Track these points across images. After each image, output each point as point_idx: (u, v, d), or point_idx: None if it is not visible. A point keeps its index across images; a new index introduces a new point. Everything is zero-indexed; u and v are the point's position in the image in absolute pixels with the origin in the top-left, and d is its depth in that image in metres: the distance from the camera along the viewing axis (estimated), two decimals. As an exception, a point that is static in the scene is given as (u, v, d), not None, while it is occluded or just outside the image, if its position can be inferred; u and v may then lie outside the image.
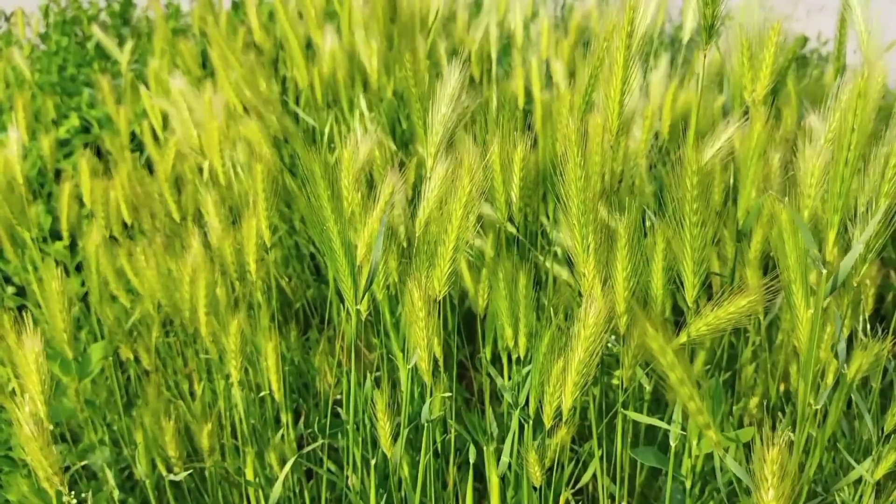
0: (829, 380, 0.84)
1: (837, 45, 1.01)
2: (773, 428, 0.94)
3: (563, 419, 0.70)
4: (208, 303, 0.93)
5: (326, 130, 1.02)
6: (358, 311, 0.74)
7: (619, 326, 0.72)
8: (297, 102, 1.47)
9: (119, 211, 1.15)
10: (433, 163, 0.74)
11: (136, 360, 1.16)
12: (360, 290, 0.73)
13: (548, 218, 1.10)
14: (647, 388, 0.84)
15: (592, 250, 0.69)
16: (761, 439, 0.51)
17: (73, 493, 0.87)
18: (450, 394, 0.86)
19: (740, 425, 1.06)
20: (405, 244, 0.92)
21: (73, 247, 1.45)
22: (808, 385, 0.69)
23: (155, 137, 1.35)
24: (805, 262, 0.67)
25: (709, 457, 0.89)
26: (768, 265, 1.00)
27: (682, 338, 0.70)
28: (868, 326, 0.94)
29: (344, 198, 0.79)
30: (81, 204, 1.20)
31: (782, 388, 1.05)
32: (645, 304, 0.74)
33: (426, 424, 0.81)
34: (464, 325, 1.24)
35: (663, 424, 0.76)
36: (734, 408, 1.06)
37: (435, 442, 0.94)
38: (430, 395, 0.83)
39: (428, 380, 0.75)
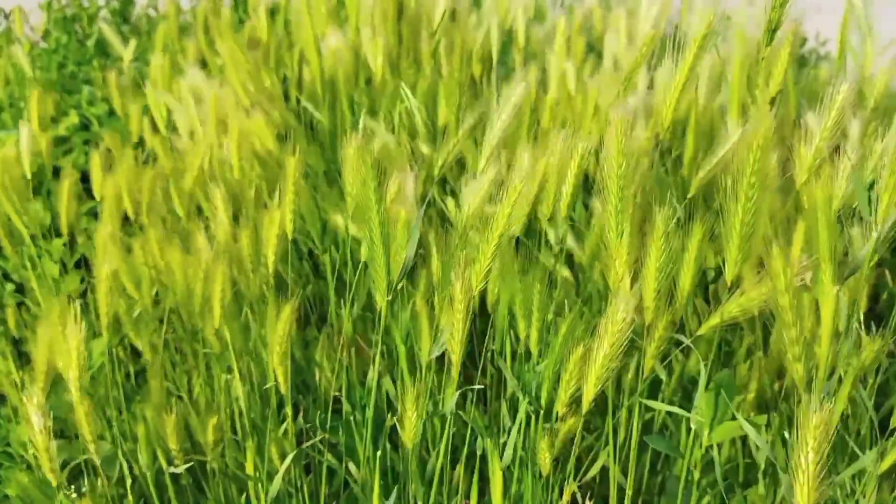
0: (821, 373, 0.86)
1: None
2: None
3: (584, 411, 0.71)
4: (223, 297, 0.93)
5: (361, 124, 1.03)
6: (387, 303, 0.76)
7: (646, 318, 0.73)
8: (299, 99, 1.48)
9: (122, 206, 1.15)
10: (485, 164, 0.76)
11: (137, 355, 1.16)
12: (392, 283, 0.75)
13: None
14: (665, 379, 0.86)
15: (626, 244, 0.71)
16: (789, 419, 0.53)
17: (73, 486, 0.88)
18: (480, 386, 0.87)
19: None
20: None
21: (71, 244, 1.45)
22: (824, 370, 0.71)
23: (156, 133, 1.35)
24: (835, 240, 0.69)
25: (707, 449, 0.91)
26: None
27: (716, 319, 0.72)
28: (862, 326, 0.96)
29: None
30: (80, 201, 1.20)
31: (777, 385, 1.06)
32: (671, 300, 0.75)
33: (448, 418, 0.82)
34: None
35: (683, 412, 0.77)
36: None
37: (442, 436, 0.95)
38: (443, 389, 0.84)
39: (455, 373, 0.76)
